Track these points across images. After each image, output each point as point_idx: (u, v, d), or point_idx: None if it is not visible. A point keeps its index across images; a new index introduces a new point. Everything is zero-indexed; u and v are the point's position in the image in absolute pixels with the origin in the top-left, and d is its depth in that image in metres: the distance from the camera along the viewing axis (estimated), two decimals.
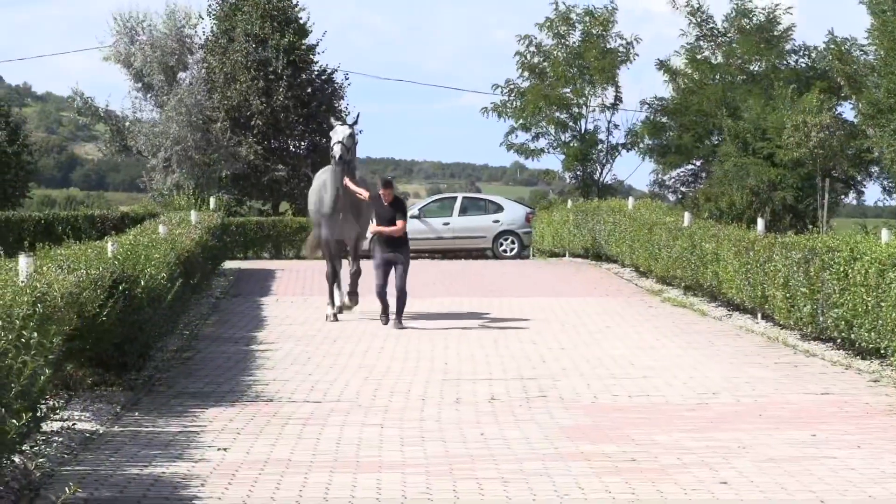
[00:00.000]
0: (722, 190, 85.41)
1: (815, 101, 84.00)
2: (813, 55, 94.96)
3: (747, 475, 18.13)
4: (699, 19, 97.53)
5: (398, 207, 39.10)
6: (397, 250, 38.43)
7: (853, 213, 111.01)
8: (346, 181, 38.88)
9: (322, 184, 40.57)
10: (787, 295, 33.50)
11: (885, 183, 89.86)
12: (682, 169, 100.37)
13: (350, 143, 39.83)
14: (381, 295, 38.36)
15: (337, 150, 39.00)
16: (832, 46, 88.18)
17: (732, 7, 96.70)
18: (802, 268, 32.04)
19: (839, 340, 30.42)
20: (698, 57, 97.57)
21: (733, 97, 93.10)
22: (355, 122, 41.43)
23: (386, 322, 38.05)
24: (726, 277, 39.15)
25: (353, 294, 40.08)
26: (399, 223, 38.25)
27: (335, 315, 39.39)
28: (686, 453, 19.66)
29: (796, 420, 22.29)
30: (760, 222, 40.10)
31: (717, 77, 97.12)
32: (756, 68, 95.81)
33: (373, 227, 39.49)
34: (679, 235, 47.08)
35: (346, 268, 41.31)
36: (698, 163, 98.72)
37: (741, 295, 38.13)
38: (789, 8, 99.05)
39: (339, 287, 40.95)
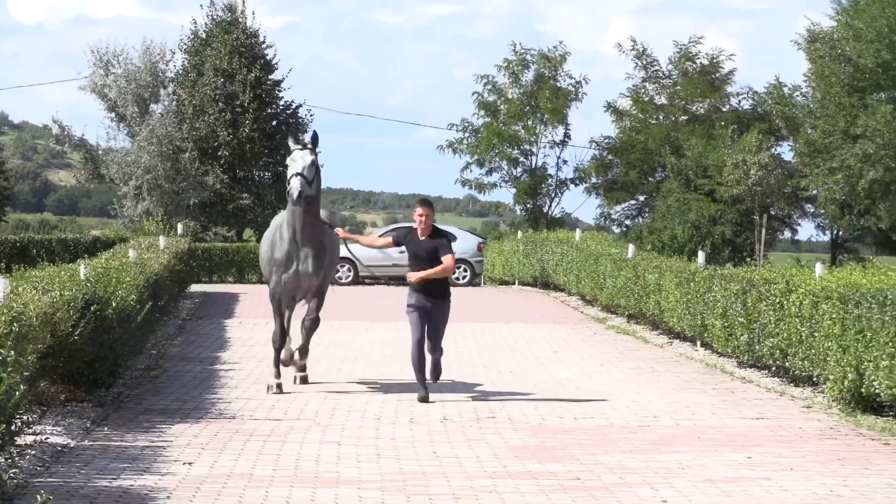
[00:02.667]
0: (664, 224, 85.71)
1: (754, 141, 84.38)
2: (754, 98, 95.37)
3: (687, 494, 18.20)
4: (644, 62, 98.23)
5: (440, 238, 27.09)
6: (440, 299, 26.69)
7: (788, 248, 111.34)
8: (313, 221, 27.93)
9: (276, 228, 28.79)
10: (726, 324, 33.55)
11: (819, 220, 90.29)
12: (627, 204, 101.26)
13: (312, 175, 27.36)
14: (418, 354, 26.60)
15: (296, 186, 27.14)
16: (772, 90, 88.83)
17: (676, 51, 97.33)
18: (740, 299, 32.09)
19: (774, 368, 30.48)
20: (643, 98, 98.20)
21: (676, 136, 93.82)
22: (314, 143, 28.25)
23: (424, 398, 26.32)
24: (668, 307, 39.20)
25: (305, 351, 29.44)
26: (447, 259, 26.38)
27: (279, 385, 27.71)
28: (628, 473, 19.72)
29: (733, 443, 22.36)
30: (701, 255, 40.08)
31: (661, 117, 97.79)
32: (698, 109, 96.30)
33: (411, 275, 26.52)
34: (623, 266, 47.15)
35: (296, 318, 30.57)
36: (642, 198, 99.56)
37: (682, 324, 38.18)
38: (731, 55, 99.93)
39: (287, 346, 29.60)
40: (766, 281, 30.98)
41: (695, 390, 28.49)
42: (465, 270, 72.34)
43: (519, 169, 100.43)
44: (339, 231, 28.10)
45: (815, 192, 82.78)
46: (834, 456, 21.77)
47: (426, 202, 27.44)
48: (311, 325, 29.18)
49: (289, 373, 29.23)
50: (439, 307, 26.34)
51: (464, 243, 74.35)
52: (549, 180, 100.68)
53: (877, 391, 24.71)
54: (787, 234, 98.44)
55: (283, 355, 28.76)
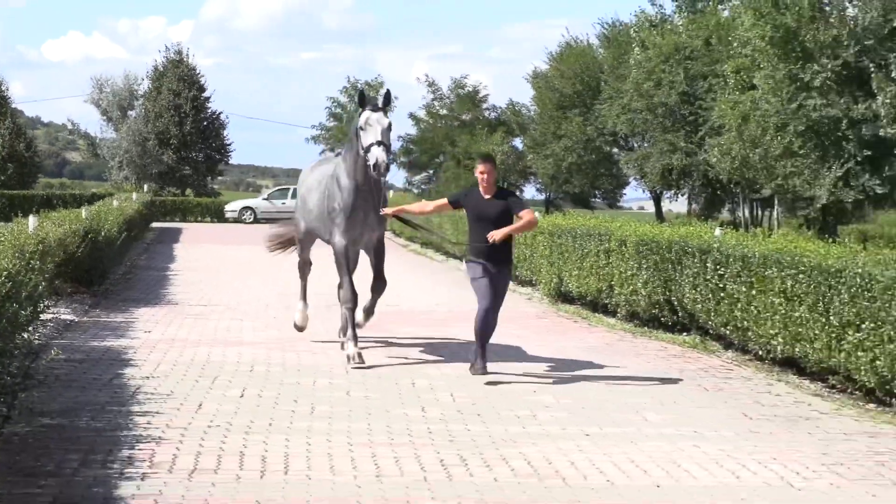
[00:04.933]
0: (446, 187, 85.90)
1: (499, 137, 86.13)
2: (499, 111, 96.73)
3: (455, 351, 18.13)
4: (433, 89, 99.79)
5: (507, 198, 16.40)
6: (504, 265, 16.14)
7: None
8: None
9: (328, 178, 17.78)
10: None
11: (538, 186, 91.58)
12: (422, 175, 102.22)
13: (389, 140, 16.73)
14: (486, 323, 15.84)
15: (380, 158, 16.14)
16: (511, 107, 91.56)
17: (453, 83, 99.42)
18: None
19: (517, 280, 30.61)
20: (432, 111, 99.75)
21: (452, 134, 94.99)
22: (387, 103, 17.24)
23: (482, 370, 15.92)
24: (458, 238, 39.20)
25: (371, 311, 18.82)
26: (527, 213, 16.01)
27: (360, 355, 16.71)
28: (421, 339, 19.63)
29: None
30: None
31: (443, 122, 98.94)
32: (466, 117, 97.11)
33: (496, 233, 15.71)
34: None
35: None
36: (431, 171, 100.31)
37: (454, 250, 38.25)
38: (486, 85, 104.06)
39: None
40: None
41: (464, 289, 28.51)
42: None
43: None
44: (386, 210, 16.96)
45: (535, 170, 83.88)
46: (545, 328, 21.87)
47: (488, 157, 16.30)
48: (380, 286, 18.19)
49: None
50: (504, 273, 15.86)
51: None
52: None
53: (569, 289, 24.91)
54: (518, 194, 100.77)
55: (358, 317, 17.76)
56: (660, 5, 77.42)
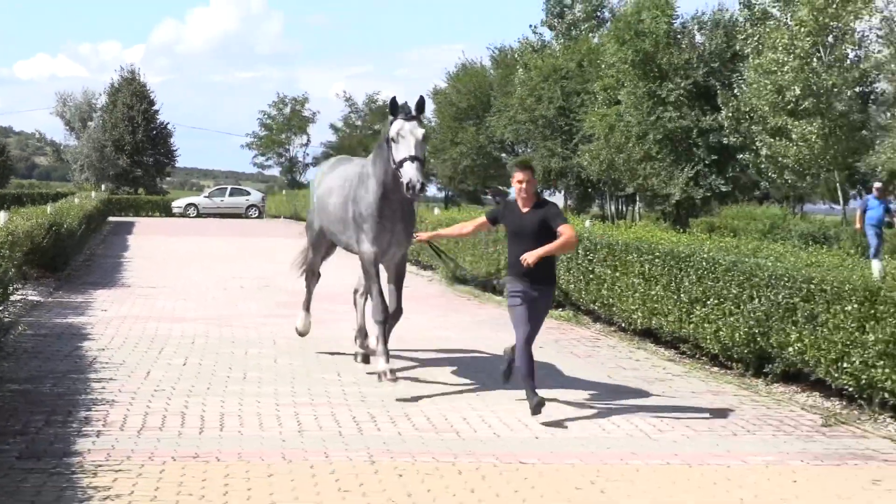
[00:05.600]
0: None
1: None
2: None
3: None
4: (350, 103, 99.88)
5: (547, 207, 11.48)
6: (547, 285, 11.40)
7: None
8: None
9: (354, 179, 13.47)
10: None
11: (438, 185, 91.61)
12: None
13: (424, 154, 12.48)
14: (527, 357, 11.07)
15: (413, 178, 12.02)
16: None
17: (366, 98, 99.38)
18: None
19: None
20: (349, 122, 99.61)
21: (366, 141, 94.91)
22: (421, 111, 12.55)
23: (541, 403, 10.91)
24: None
25: (385, 354, 12.74)
26: (566, 230, 11.15)
27: (392, 371, 12.62)
28: (334, 307, 19.51)
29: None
30: None
31: (358, 132, 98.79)
32: (378, 127, 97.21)
33: (529, 255, 10.89)
34: None
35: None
36: None
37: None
38: (395, 97, 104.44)
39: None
40: None
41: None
42: (256, 211, 71.62)
43: (283, 158, 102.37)
44: (421, 235, 12.98)
45: (436, 172, 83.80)
46: (443, 305, 21.87)
47: (526, 165, 11.75)
48: (396, 313, 13.18)
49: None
50: (546, 295, 11.39)
51: (255, 196, 74.08)
52: (299, 164, 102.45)
53: (465, 274, 24.88)
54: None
55: (372, 343, 13.68)
56: (540, 33, 78.15)
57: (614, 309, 17.64)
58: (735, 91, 54.18)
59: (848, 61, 53.29)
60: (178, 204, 73.88)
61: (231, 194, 75.00)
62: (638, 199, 64.13)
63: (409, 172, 11.96)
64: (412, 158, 12.03)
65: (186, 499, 7.87)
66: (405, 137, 12.16)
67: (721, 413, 11.62)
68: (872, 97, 57.04)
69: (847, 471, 9.36)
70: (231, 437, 9.94)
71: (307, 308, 16.16)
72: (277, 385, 12.54)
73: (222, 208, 71.95)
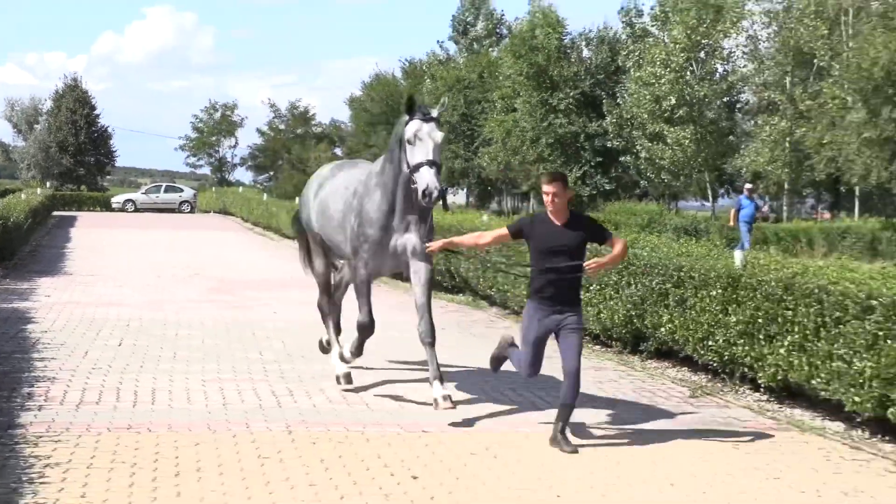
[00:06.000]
0: (283, 185, 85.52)
1: (324, 147, 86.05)
2: (325, 126, 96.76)
3: (288, 311, 18.01)
4: (275, 110, 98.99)
5: (584, 224, 9.11)
6: (573, 305, 8.89)
7: None
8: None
9: (360, 190, 10.74)
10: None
11: None
12: (265, 175, 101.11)
13: (440, 158, 10.03)
14: (527, 376, 9.30)
15: (430, 184, 9.72)
16: (333, 124, 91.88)
17: (289, 105, 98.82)
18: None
19: None
20: (274, 126, 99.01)
21: (288, 144, 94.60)
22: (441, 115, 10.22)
23: (568, 445, 8.70)
24: (258, 214, 38.77)
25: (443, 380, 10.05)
26: (620, 243, 9.09)
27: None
28: (258, 298, 19.43)
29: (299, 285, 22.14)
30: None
31: (282, 135, 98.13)
32: (299, 131, 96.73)
33: (592, 263, 8.93)
34: (260, 202, 46.56)
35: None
36: (272, 173, 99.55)
37: (256, 220, 37.82)
38: (314, 106, 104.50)
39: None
40: None
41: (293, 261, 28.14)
42: (188, 206, 70.77)
43: (213, 158, 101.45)
44: (433, 245, 9.89)
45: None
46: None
47: (557, 175, 9.19)
48: (428, 330, 10.39)
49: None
50: (574, 315, 8.83)
51: (188, 193, 73.15)
52: (227, 163, 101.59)
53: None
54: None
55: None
56: (446, 48, 78.57)
57: (508, 294, 17.72)
58: (618, 100, 54.76)
59: (717, 75, 54.27)
60: (117, 200, 72.90)
61: (166, 191, 74.14)
62: (531, 196, 64.55)
63: (426, 178, 9.69)
64: (430, 163, 9.75)
65: (120, 466, 7.81)
66: (423, 140, 9.87)
67: (600, 385, 11.73)
68: (738, 106, 58.10)
69: (711, 435, 9.51)
70: (161, 410, 9.86)
71: (336, 337, 12.00)
72: (204, 363, 12.45)
73: (158, 204, 71.03)
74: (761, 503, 7.45)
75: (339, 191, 11.26)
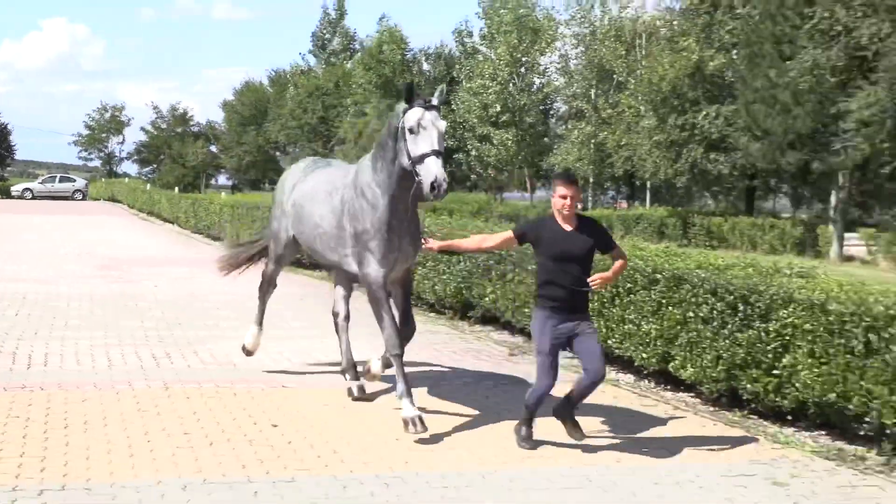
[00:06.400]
0: (165, 175, 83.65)
1: (201, 143, 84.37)
2: (201, 126, 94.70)
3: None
4: (157, 111, 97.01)
5: (593, 228, 7.29)
6: (582, 313, 7.14)
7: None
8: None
9: (349, 190, 8.15)
10: (188, 212, 32.49)
11: (227, 177, 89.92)
12: (149, 168, 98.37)
13: (443, 147, 7.33)
14: (539, 401, 7.28)
15: (438, 176, 7.13)
16: (209, 123, 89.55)
17: (171, 106, 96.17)
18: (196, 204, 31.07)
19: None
20: (157, 125, 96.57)
21: (170, 141, 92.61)
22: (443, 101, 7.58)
23: (528, 441, 7.32)
24: (162, 207, 38.02)
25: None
26: (620, 249, 7.50)
27: (420, 419, 7.55)
28: (143, 274, 18.93)
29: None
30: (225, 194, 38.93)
31: (164, 133, 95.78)
32: (179, 130, 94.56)
33: (598, 278, 7.08)
34: (144, 192, 45.25)
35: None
36: (155, 166, 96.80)
37: (171, 216, 37.10)
38: (193, 108, 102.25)
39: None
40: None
41: (177, 243, 27.63)
42: (80, 194, 68.69)
43: (103, 153, 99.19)
44: (433, 244, 7.63)
45: (225, 165, 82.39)
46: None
47: (571, 178, 7.33)
48: (408, 332, 8.21)
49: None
50: (587, 320, 7.17)
51: (79, 183, 71.03)
52: (115, 157, 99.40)
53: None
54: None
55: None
56: (307, 60, 77.92)
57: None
58: (452, 107, 55.10)
59: (535, 87, 55.30)
60: (16, 188, 70.69)
61: (60, 181, 72.09)
62: None
63: (434, 170, 7.25)
64: (436, 153, 7.35)
65: (14, 420, 7.57)
66: (427, 129, 7.43)
67: (435, 346, 11.82)
68: (552, 113, 59.25)
69: (524, 386, 9.67)
70: (53, 371, 9.58)
71: (260, 322, 10.09)
72: (93, 331, 12.12)
73: (53, 192, 68.92)
74: (556, 437, 7.58)
75: (316, 194, 8.80)
